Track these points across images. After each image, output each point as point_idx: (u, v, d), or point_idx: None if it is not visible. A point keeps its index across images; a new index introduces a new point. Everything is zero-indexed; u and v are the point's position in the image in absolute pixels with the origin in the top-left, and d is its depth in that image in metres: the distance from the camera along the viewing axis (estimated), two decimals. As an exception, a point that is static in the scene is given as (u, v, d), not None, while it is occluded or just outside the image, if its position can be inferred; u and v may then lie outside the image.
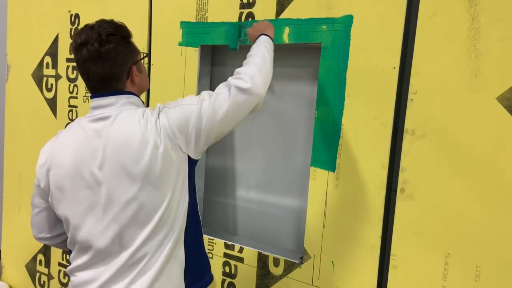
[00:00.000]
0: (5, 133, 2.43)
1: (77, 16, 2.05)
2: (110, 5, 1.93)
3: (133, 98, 1.12)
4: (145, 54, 1.20)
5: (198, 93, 1.72)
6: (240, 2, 1.59)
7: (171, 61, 1.78)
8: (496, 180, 1.19)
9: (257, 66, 1.11)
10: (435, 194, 1.28)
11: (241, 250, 1.67)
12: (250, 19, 1.57)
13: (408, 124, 1.31)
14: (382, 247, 1.39)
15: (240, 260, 1.68)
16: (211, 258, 1.74)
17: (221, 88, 1.10)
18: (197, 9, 1.70)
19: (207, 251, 1.74)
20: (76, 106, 2.10)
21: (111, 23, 1.10)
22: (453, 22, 1.22)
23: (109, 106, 1.08)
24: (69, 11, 2.07)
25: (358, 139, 1.40)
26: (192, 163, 1.11)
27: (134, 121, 1.05)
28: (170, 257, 1.08)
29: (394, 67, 1.32)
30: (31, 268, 2.39)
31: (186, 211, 1.11)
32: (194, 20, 1.71)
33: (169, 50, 1.78)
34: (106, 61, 1.06)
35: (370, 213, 1.38)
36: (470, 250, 1.23)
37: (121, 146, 1.03)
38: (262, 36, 1.25)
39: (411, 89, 1.30)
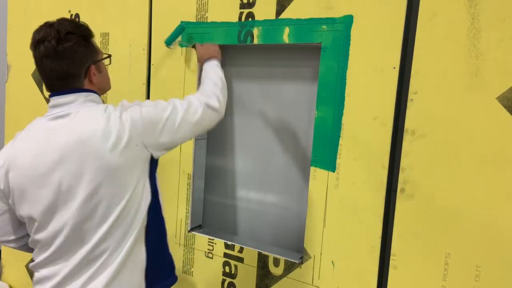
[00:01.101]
0: (5, 133, 2.43)
1: (77, 16, 2.05)
2: (110, 5, 1.93)
3: (92, 95, 1.13)
4: (107, 55, 1.21)
5: (198, 93, 1.74)
6: (240, 2, 1.59)
7: (171, 61, 1.78)
8: (496, 180, 1.19)
9: (219, 89, 1.25)
10: (435, 194, 1.28)
11: (241, 250, 1.67)
12: (250, 19, 1.58)
13: (408, 124, 1.31)
14: (382, 247, 1.39)
15: (240, 260, 1.68)
16: (211, 258, 1.74)
17: (192, 100, 1.17)
18: (197, 9, 1.70)
19: (207, 251, 1.75)
20: (76, 106, 2.10)
21: (72, 22, 1.11)
22: (453, 22, 1.22)
23: (68, 104, 1.09)
24: (69, 11, 2.07)
25: (358, 139, 1.40)
26: (153, 163, 1.13)
27: (95, 117, 1.05)
28: (130, 254, 1.09)
29: (394, 67, 1.32)
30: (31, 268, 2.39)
31: (147, 210, 1.12)
32: (194, 20, 1.71)
33: (169, 50, 1.78)
34: (63, 58, 1.06)
35: (370, 213, 1.38)
36: (470, 250, 1.23)
37: (82, 142, 1.03)
38: (215, 61, 1.38)
39: (411, 89, 1.30)
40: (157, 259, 1.19)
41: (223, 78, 1.31)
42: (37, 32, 1.08)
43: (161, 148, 1.12)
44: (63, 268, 1.06)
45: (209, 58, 1.41)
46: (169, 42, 1.71)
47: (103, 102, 1.18)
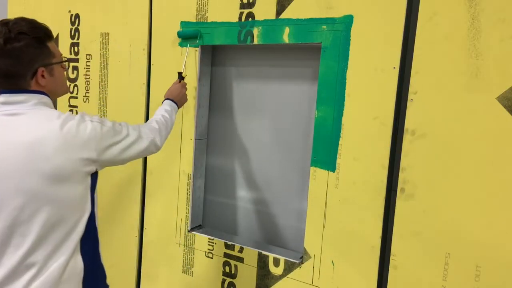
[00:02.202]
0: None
1: (77, 16, 2.05)
2: (110, 5, 1.93)
3: (45, 98, 1.12)
4: (65, 59, 1.21)
5: (198, 93, 1.74)
6: (240, 2, 1.59)
7: (171, 61, 1.78)
8: (496, 180, 1.19)
9: (166, 129, 1.40)
10: (435, 194, 1.28)
11: (241, 250, 1.67)
12: (250, 19, 1.58)
13: (408, 124, 1.31)
14: (382, 247, 1.39)
15: (240, 260, 1.68)
16: (211, 258, 1.74)
17: (143, 132, 1.27)
18: (197, 9, 1.70)
19: (207, 251, 1.75)
20: (76, 106, 2.10)
21: (30, 22, 1.09)
22: (453, 22, 1.22)
23: (20, 103, 1.07)
24: (69, 11, 2.07)
25: (358, 139, 1.40)
26: (94, 176, 1.13)
27: (49, 121, 1.04)
28: (67, 266, 1.07)
29: (394, 67, 1.32)
30: None
31: (86, 222, 1.11)
32: (194, 20, 1.71)
33: (169, 50, 1.78)
34: (9, 58, 1.05)
35: (370, 213, 1.38)
36: (470, 250, 1.23)
37: (31, 144, 1.01)
38: (174, 103, 1.54)
39: (411, 89, 1.30)
40: (93, 269, 1.18)
41: (173, 120, 1.48)
42: None
43: (103, 165, 1.14)
44: None
45: (170, 98, 1.55)
46: (181, 35, 1.72)
47: (55, 106, 1.17)
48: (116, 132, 1.16)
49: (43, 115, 1.06)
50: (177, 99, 1.57)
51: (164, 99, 1.56)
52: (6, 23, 1.06)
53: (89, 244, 1.15)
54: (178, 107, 1.57)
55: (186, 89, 1.66)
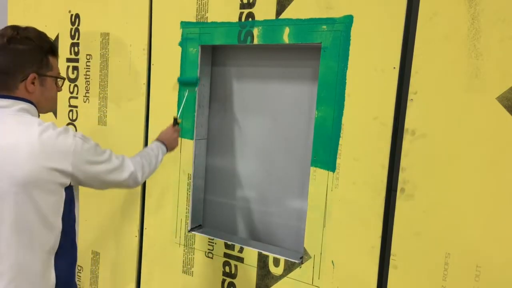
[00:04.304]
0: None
1: (77, 16, 2.05)
2: (110, 5, 1.93)
3: (30, 107, 1.12)
4: (60, 77, 1.21)
5: (199, 93, 1.74)
6: (240, 2, 1.59)
7: (171, 61, 1.78)
8: (496, 180, 1.19)
9: (150, 169, 1.35)
10: (435, 194, 1.28)
11: (241, 250, 1.67)
12: (250, 19, 1.58)
13: (408, 124, 1.31)
14: (382, 247, 1.39)
15: (240, 260, 1.68)
16: (211, 258, 1.74)
17: (125, 163, 1.24)
18: (197, 9, 1.70)
19: (207, 251, 1.75)
20: (76, 106, 2.10)
21: (39, 32, 1.12)
22: (453, 22, 1.22)
23: (3, 107, 1.08)
24: (69, 11, 2.07)
25: (358, 139, 1.40)
26: (70, 190, 1.11)
27: (27, 127, 1.05)
28: (40, 279, 1.06)
29: (394, 67, 1.32)
30: None
31: (59, 235, 1.10)
32: (194, 20, 1.71)
33: (169, 50, 1.78)
34: (7, 55, 1.07)
35: (370, 213, 1.38)
36: (470, 250, 1.23)
37: (3, 148, 1.01)
38: (165, 147, 1.52)
39: (411, 89, 1.30)
40: (66, 286, 1.17)
41: (159, 161, 1.45)
42: (3, 28, 1.10)
43: (77, 180, 1.12)
44: None
45: (164, 142, 1.54)
46: (181, 81, 1.75)
47: (39, 116, 1.16)
48: (98, 153, 1.14)
49: (23, 122, 1.06)
50: (168, 142, 1.56)
51: (155, 140, 1.56)
52: (17, 27, 1.09)
53: (64, 260, 1.13)
54: (168, 151, 1.55)
55: (178, 134, 1.67)
